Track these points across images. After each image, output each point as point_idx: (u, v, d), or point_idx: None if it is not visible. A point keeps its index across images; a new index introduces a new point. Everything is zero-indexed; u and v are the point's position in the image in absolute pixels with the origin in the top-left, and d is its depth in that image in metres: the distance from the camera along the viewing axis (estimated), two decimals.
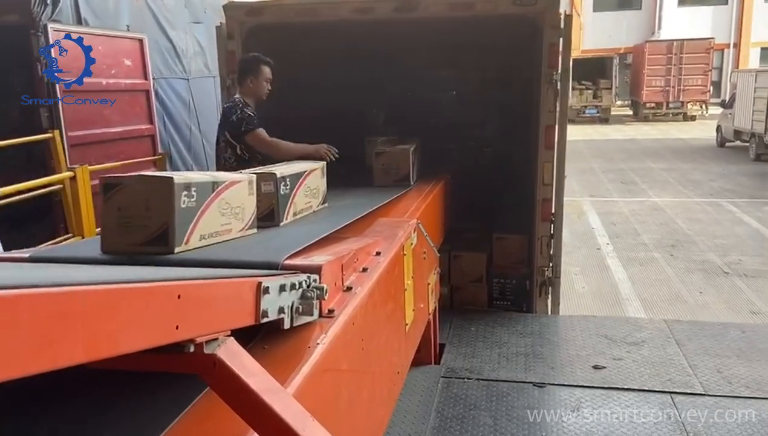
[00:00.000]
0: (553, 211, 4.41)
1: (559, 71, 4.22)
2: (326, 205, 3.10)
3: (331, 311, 1.97)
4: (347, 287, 2.17)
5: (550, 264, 4.47)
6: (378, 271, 2.44)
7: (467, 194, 5.11)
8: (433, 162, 4.72)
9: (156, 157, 5.61)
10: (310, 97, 5.19)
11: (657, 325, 4.36)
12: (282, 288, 1.72)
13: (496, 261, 4.78)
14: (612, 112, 26.58)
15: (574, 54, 28.17)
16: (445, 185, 4.51)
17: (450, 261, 4.68)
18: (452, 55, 5.60)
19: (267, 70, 4.04)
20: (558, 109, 4.27)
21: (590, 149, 18.66)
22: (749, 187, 12.87)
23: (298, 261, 2.01)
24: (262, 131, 3.89)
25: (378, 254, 2.58)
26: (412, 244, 3.08)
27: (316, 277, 1.91)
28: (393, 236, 2.85)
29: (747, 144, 16.31)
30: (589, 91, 25.52)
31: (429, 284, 3.58)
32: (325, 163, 3.22)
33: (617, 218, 10.57)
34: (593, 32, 29.26)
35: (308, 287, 1.83)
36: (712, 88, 25.56)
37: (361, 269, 2.38)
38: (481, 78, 5.95)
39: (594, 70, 25.36)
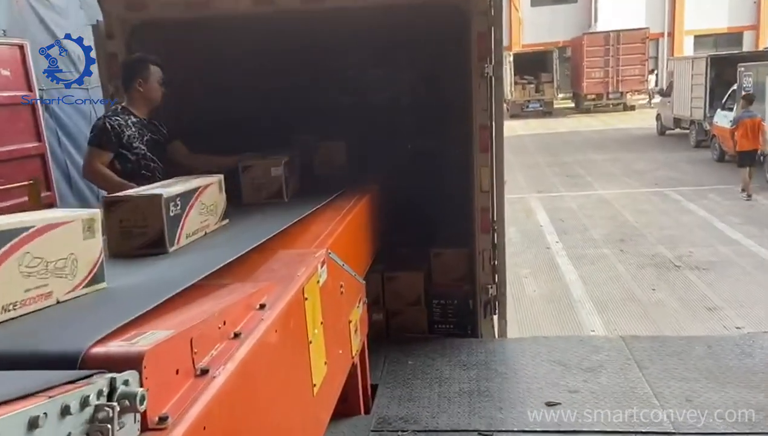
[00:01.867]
0: (493, 220, 3.85)
1: (492, 63, 3.66)
2: (226, 221, 2.81)
3: (163, 419, 1.33)
4: (201, 371, 1.54)
5: (495, 281, 3.91)
6: (259, 332, 1.80)
7: (402, 206, 4.52)
8: (362, 171, 4.15)
9: (27, 182, 4.77)
10: (218, 102, 4.51)
11: (614, 344, 3.83)
12: (65, 411, 1.08)
13: (435, 279, 4.18)
14: (555, 106, 26.52)
15: (515, 49, 28.21)
16: (373, 198, 3.90)
17: (383, 284, 4.07)
18: (379, 51, 4.97)
19: (157, 71, 3.44)
20: (493, 106, 3.71)
21: (535, 143, 18.38)
22: (692, 174, 12.69)
23: (113, 347, 1.37)
24: (94, 151, 3.32)
25: (262, 306, 1.95)
26: (319, 281, 2.46)
27: (135, 373, 1.28)
28: (290, 278, 2.21)
29: (687, 131, 16.26)
30: (532, 86, 25.38)
31: (351, 321, 2.96)
32: (222, 176, 2.85)
33: (565, 213, 10.18)
34: (532, 27, 29.17)
35: (111, 396, 1.19)
36: (651, 78, 25.80)
37: (231, 336, 1.75)
38: (413, 76, 5.37)
39: (535, 64, 25.24)
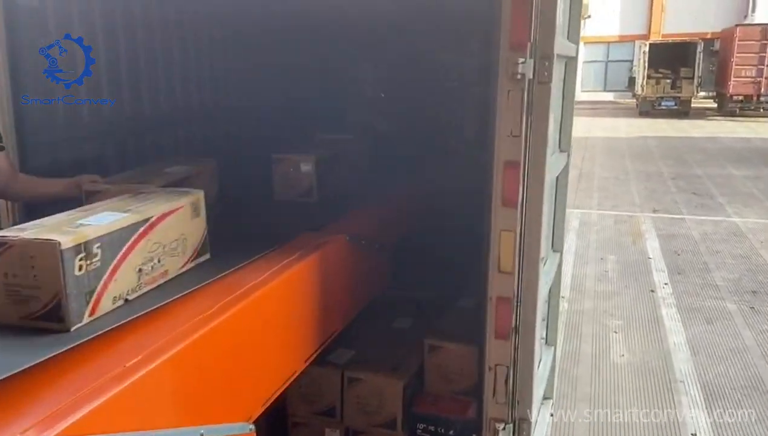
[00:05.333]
0: (518, 319, 2.26)
1: (534, 57, 2.06)
2: (206, 257, 2.07)
3: None
4: None
5: (513, 417, 2.32)
6: None
7: (400, 252, 3.08)
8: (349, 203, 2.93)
9: None
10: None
11: None
12: None
13: (427, 388, 2.65)
14: (693, 105, 23.11)
15: (653, 38, 24.93)
16: (342, 250, 2.48)
17: (342, 387, 2.62)
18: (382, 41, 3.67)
19: None
20: (530, 129, 2.11)
21: (661, 148, 15.71)
22: None
23: None
24: None
25: None
26: None
27: None
28: None
29: None
30: (668, 81, 22.22)
31: None
32: (201, 194, 2.07)
33: (683, 243, 8.03)
34: (675, 14, 25.67)
35: None
36: None
37: None
38: (420, 76, 3.95)
39: (674, 57, 22.03)
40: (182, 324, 1.64)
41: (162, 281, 1.85)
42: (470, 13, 2.91)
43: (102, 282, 1.62)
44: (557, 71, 2.37)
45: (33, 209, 2.43)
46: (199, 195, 2.04)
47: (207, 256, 2.06)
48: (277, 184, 3.01)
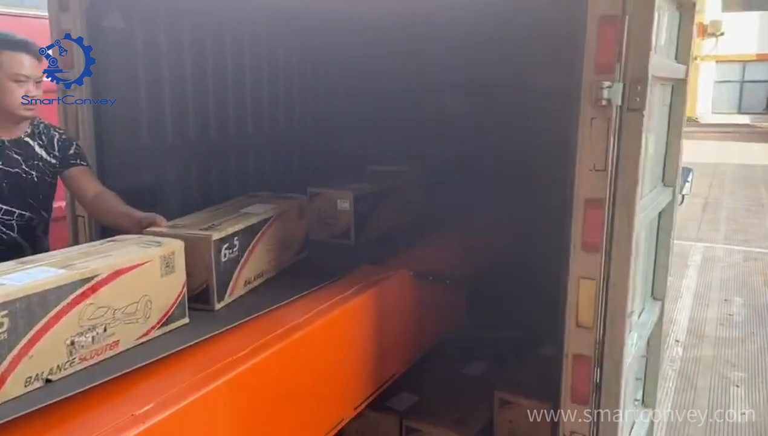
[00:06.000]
0: (598, 384, 1.93)
1: (623, 80, 1.77)
2: (183, 322, 1.76)
3: None
4: None
5: None
6: None
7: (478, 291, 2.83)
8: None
9: None
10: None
11: None
12: None
13: None
14: None
15: None
16: (405, 286, 2.29)
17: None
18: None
19: (11, 59, 2.08)
20: (616, 163, 1.82)
21: None
22: None
23: None
24: None
25: None
26: None
27: None
28: None
29: None
30: None
31: None
32: (178, 246, 1.83)
33: None
34: None
35: None
36: None
37: None
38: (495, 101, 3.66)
39: None
40: (202, 371, 1.51)
41: (110, 353, 1.52)
42: (551, 33, 2.63)
43: (8, 359, 1.31)
44: (658, 96, 2.05)
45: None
46: (175, 247, 1.72)
47: (184, 320, 1.75)
48: (312, 222, 2.68)
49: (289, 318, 1.80)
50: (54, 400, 1.29)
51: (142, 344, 1.60)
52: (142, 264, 1.58)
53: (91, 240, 2.55)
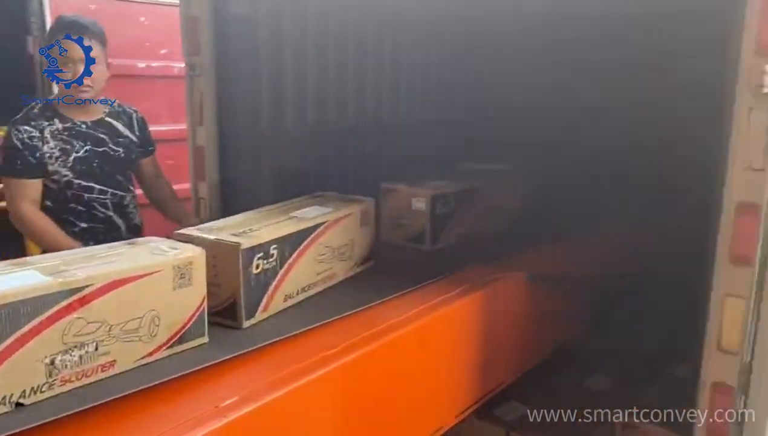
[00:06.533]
0: (738, 420, 1.63)
1: None
2: (201, 341, 1.53)
3: None
4: None
5: None
6: None
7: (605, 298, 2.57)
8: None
9: None
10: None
11: None
12: None
13: None
14: None
15: None
16: (518, 289, 2.12)
17: None
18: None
19: (61, 43, 2.15)
20: None
21: None
22: None
23: None
24: (12, 183, 2.14)
25: None
26: None
27: None
28: None
29: None
30: None
31: None
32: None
33: None
34: None
35: None
36: None
37: None
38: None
39: None
40: (290, 365, 1.44)
41: (102, 375, 1.32)
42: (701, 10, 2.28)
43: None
44: None
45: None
46: (193, 257, 1.48)
47: (202, 339, 1.53)
48: (383, 222, 2.42)
49: (331, 341, 1.55)
50: (22, 428, 1.11)
51: (144, 365, 1.39)
52: (149, 274, 1.38)
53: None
